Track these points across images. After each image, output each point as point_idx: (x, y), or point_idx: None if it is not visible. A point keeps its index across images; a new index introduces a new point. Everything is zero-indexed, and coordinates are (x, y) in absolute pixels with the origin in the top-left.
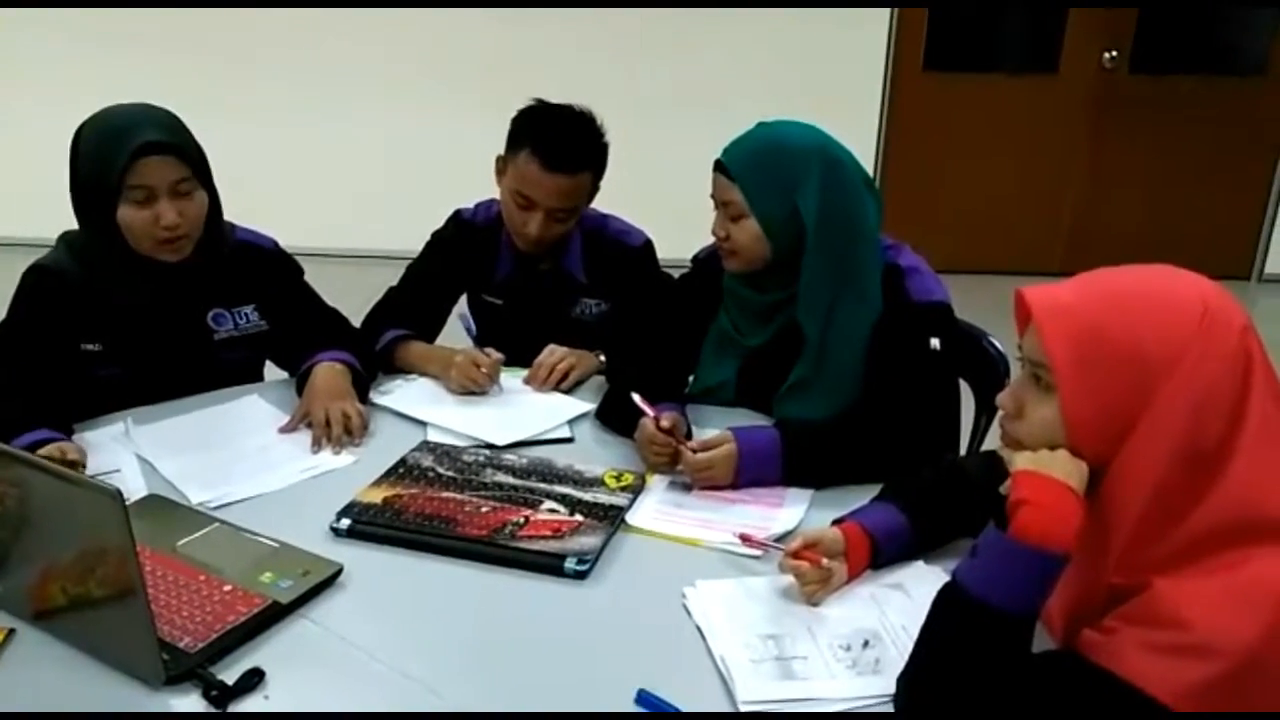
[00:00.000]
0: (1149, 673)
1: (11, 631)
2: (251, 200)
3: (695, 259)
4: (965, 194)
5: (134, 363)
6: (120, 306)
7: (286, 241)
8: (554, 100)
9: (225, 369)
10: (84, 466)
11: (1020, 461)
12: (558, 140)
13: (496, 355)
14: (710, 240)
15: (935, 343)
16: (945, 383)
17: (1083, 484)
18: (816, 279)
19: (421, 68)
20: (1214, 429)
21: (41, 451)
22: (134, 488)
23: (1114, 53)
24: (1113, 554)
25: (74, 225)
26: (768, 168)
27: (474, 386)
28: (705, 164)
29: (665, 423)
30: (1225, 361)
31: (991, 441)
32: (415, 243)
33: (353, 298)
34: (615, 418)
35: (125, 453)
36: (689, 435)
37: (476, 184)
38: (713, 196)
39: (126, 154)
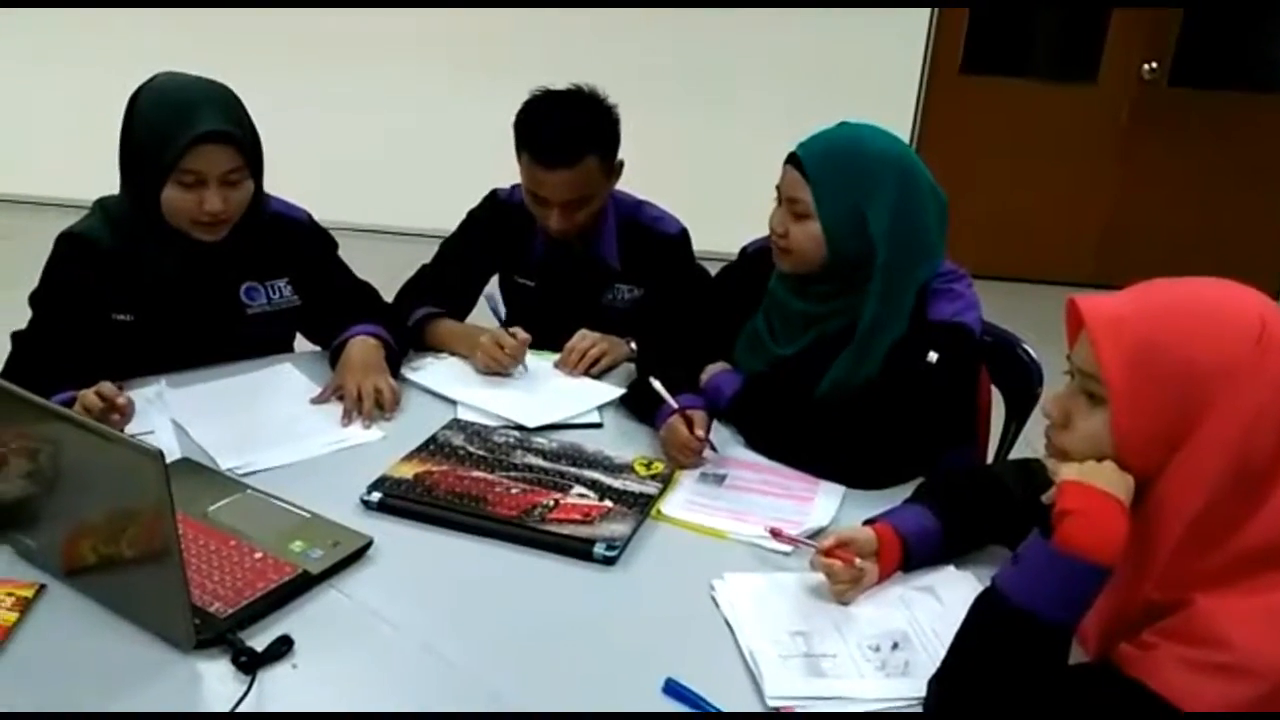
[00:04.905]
0: (1186, 689)
1: (43, 587)
2: (284, 172)
3: (744, 251)
4: (998, 199)
5: (166, 335)
6: (153, 278)
7: (318, 216)
8: (587, 84)
9: (256, 343)
10: (128, 410)
11: (1067, 472)
12: (548, 136)
13: (523, 335)
14: (755, 234)
15: (933, 356)
16: (937, 398)
17: (1129, 497)
18: (877, 297)
19: (458, 45)
20: (1264, 450)
21: (98, 387)
22: (168, 450)
23: (1154, 64)
24: (1155, 569)
25: (109, 191)
26: (844, 173)
27: (497, 367)
28: (739, 158)
29: (700, 430)
30: None
31: (1021, 449)
32: (448, 221)
33: (381, 274)
34: (638, 404)
35: (160, 416)
36: (708, 428)
37: (510, 164)
38: (778, 189)
39: (185, 140)
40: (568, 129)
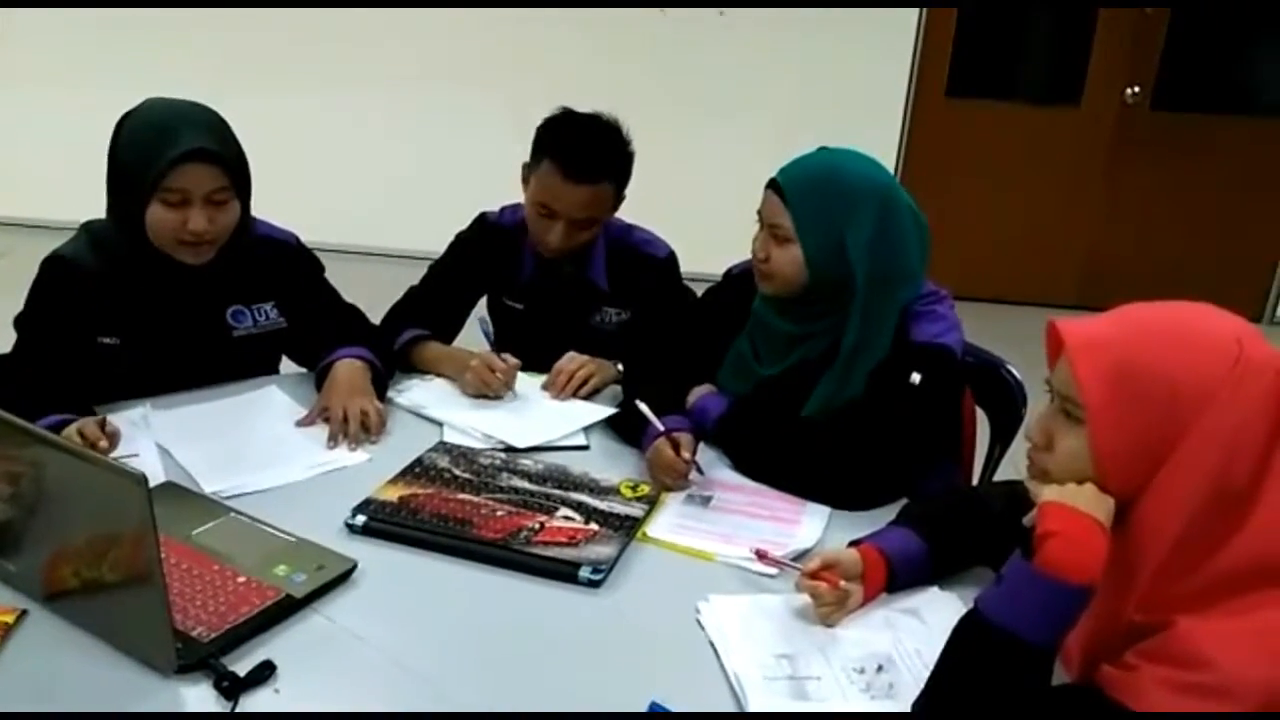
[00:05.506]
0: (1170, 711)
1: (24, 613)
2: (272, 193)
3: (728, 274)
4: (982, 221)
5: (151, 358)
6: (139, 301)
7: (305, 237)
8: (581, 108)
9: (242, 365)
10: (114, 441)
11: (1048, 493)
12: (579, 150)
13: (513, 361)
14: (742, 256)
15: (915, 377)
16: (920, 419)
17: (1109, 518)
18: (859, 319)
19: (448, 69)
20: (1243, 470)
21: (80, 425)
22: (152, 473)
23: (1137, 88)
24: (1136, 590)
25: (98, 213)
26: (823, 198)
27: (488, 391)
28: (727, 182)
29: (686, 453)
30: (1258, 402)
31: (1006, 470)
32: (436, 243)
33: (369, 296)
34: (624, 426)
35: (144, 438)
36: (694, 449)
37: (500, 187)
38: (759, 214)
39: (168, 158)
40: (598, 147)
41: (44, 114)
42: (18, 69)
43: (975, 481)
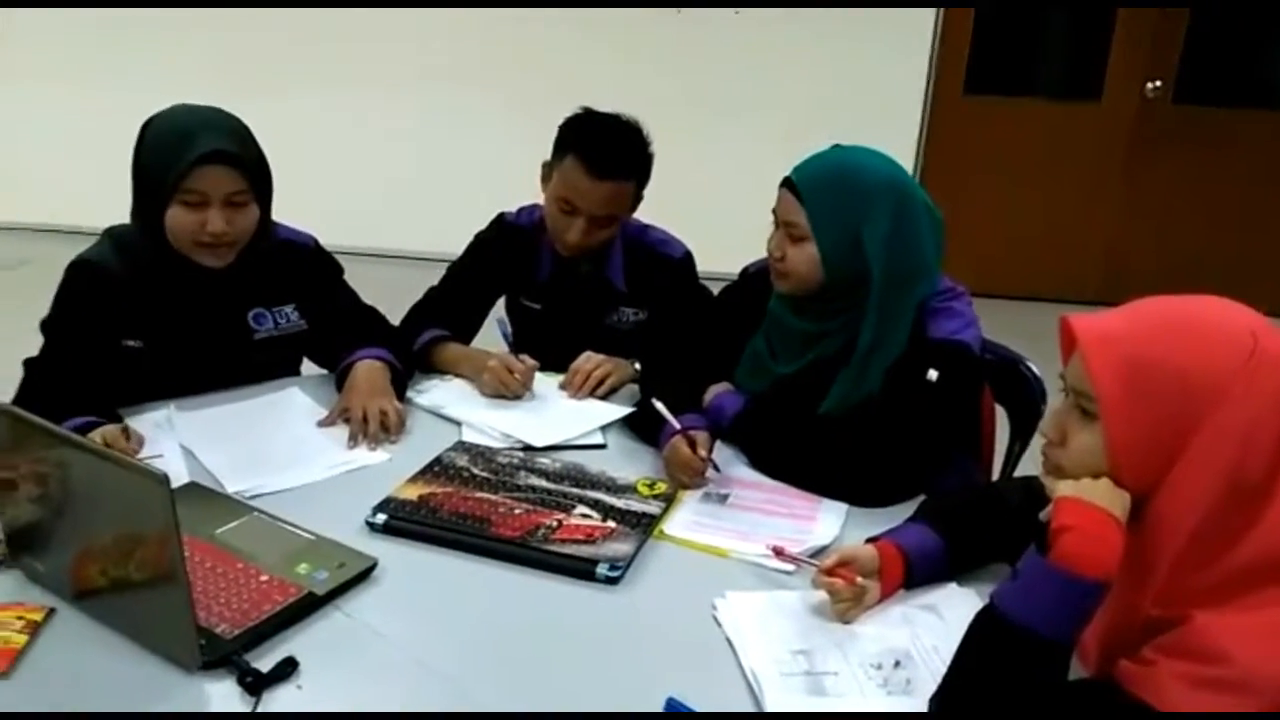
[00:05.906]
0: (1188, 705)
1: (52, 611)
2: (291, 197)
3: (745, 272)
4: (1001, 218)
5: (175, 360)
6: (162, 305)
7: (324, 240)
8: (598, 109)
9: (264, 367)
10: (137, 452)
11: (1063, 489)
12: (603, 147)
13: (531, 362)
14: (759, 255)
15: (933, 374)
16: (937, 416)
17: (1125, 513)
18: (875, 316)
19: (448, 69)
20: (1258, 465)
21: (103, 432)
22: (176, 474)
23: (1157, 82)
24: (1152, 585)
25: (119, 218)
26: (838, 195)
27: (505, 391)
28: (744, 181)
29: (703, 451)
30: (1273, 396)
31: (1026, 466)
32: (454, 244)
33: (388, 298)
34: (641, 425)
35: (168, 440)
36: (711, 447)
37: (500, 187)
38: (774, 213)
39: (188, 160)
40: (622, 144)
41: (64, 120)
42: (38, 73)
43: (996, 478)
